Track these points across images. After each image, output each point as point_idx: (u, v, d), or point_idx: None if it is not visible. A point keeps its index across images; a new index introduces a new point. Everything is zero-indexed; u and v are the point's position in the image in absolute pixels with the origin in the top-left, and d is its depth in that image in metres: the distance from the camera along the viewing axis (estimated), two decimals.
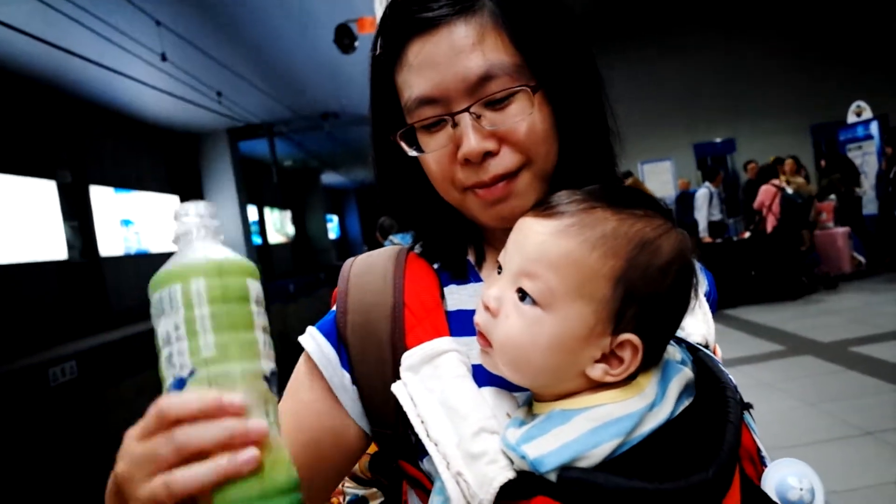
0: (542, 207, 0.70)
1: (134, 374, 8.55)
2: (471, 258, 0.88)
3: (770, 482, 0.69)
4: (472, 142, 0.74)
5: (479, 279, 0.86)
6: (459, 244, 0.88)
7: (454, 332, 0.78)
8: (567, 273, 0.65)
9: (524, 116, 0.75)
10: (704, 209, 9.51)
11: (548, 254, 0.66)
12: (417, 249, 0.90)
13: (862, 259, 9.35)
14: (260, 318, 0.58)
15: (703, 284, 0.90)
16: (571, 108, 0.79)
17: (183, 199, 15.50)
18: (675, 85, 13.41)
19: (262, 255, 17.96)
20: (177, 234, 0.58)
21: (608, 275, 0.65)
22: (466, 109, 0.74)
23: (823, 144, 13.25)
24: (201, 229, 0.58)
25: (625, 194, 0.70)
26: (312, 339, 0.83)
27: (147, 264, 13.34)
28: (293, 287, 16.34)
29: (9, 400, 6.65)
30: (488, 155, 0.75)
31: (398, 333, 0.78)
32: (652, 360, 0.68)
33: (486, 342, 0.69)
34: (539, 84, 0.75)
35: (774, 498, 0.68)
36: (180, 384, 0.54)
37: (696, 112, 13.76)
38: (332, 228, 30.56)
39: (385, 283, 0.82)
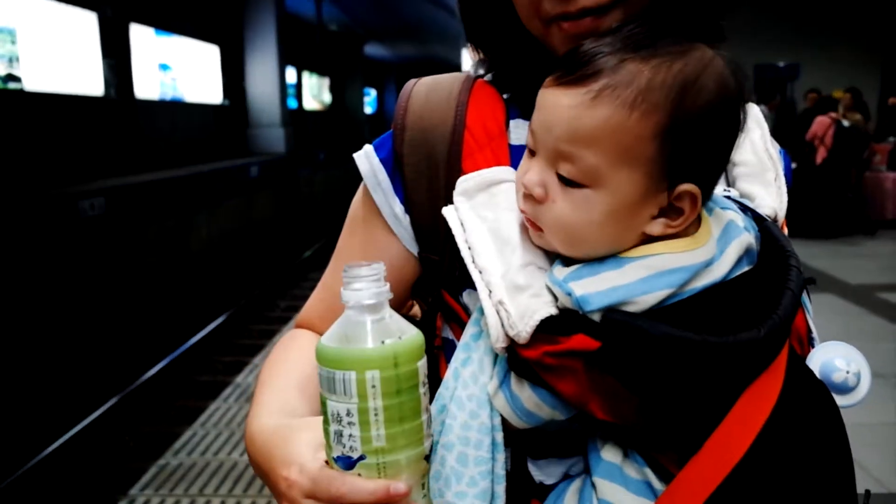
0: (565, 72, 0.62)
1: (158, 220, 8.69)
2: None
3: (815, 361, 0.67)
4: None
5: None
6: (536, 78, 0.80)
7: (515, 166, 0.73)
8: (607, 145, 0.60)
9: None
10: None
11: (582, 129, 0.60)
12: (488, 78, 0.83)
13: None
14: (425, 399, 0.60)
15: (780, 162, 0.83)
16: None
17: (223, 51, 15.31)
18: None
19: (296, 119, 17.78)
20: (347, 300, 0.58)
21: (652, 133, 0.59)
22: None
23: None
24: (374, 297, 0.58)
25: (657, 29, 0.62)
26: (367, 161, 0.80)
27: (181, 111, 13.28)
28: (323, 156, 16.34)
29: (42, 227, 6.83)
30: None
31: (455, 156, 0.75)
32: (705, 197, 0.64)
33: (535, 226, 0.66)
34: None
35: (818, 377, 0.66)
36: (348, 463, 0.58)
37: (760, 31, 12.97)
38: (369, 102, 30.08)
39: (448, 102, 0.78)
